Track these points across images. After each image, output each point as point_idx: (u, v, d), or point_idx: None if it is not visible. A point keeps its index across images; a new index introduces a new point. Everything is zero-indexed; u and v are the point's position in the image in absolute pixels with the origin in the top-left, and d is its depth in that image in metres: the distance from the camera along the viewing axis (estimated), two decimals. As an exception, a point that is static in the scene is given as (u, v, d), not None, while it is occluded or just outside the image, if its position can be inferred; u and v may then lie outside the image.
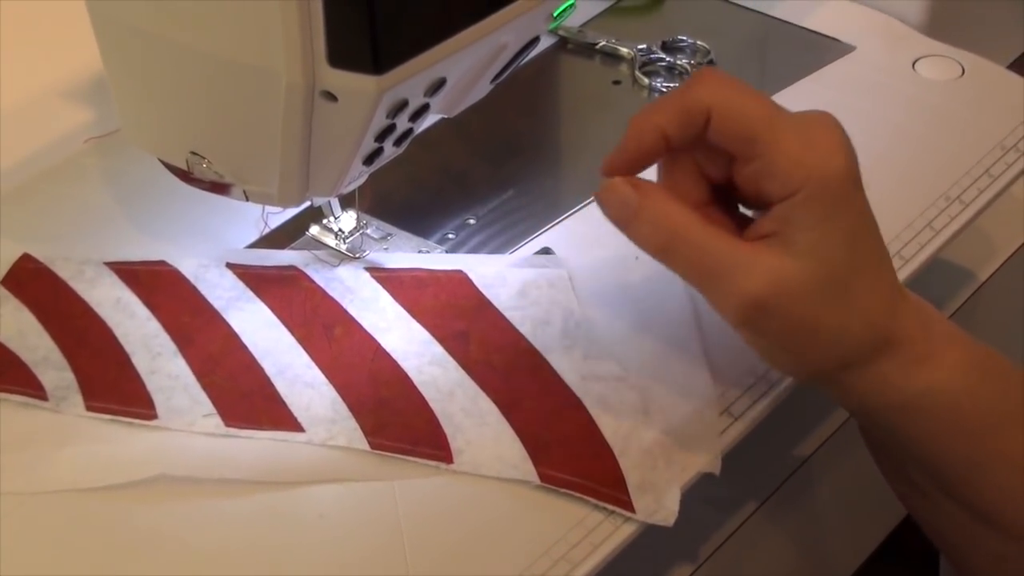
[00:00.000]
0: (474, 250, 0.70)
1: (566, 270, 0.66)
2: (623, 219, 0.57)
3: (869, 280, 0.57)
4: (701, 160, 0.58)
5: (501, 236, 0.70)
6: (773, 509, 0.70)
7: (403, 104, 0.58)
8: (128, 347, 0.63)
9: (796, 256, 0.55)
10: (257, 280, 0.66)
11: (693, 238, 0.56)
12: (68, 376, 0.61)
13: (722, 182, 0.58)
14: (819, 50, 0.82)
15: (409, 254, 0.68)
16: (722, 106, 0.56)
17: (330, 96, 0.55)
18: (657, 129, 0.57)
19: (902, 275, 0.67)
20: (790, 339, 0.57)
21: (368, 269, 0.66)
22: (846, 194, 0.56)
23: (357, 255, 0.67)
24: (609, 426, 0.59)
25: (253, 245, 0.69)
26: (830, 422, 0.72)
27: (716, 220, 0.58)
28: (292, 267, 0.67)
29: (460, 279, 0.65)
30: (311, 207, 0.67)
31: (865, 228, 0.57)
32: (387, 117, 0.58)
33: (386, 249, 0.68)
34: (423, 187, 0.74)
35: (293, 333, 0.63)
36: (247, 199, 0.63)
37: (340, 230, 0.68)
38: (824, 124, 0.56)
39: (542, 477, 0.57)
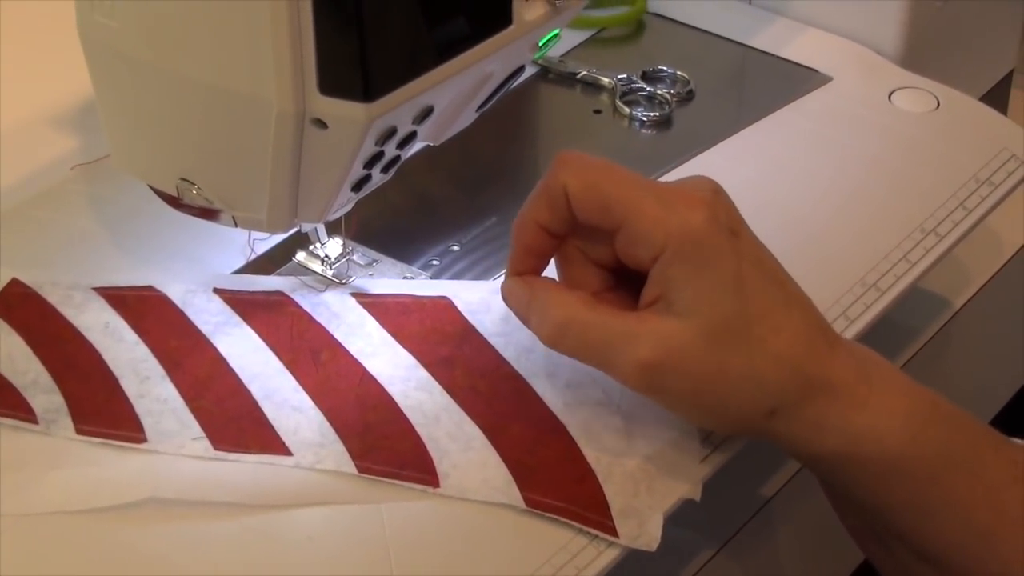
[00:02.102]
0: (458, 276, 0.70)
1: None
2: (520, 315, 0.61)
3: (773, 322, 0.57)
4: (587, 248, 0.60)
5: (484, 262, 0.71)
6: (753, 535, 0.70)
7: (392, 131, 0.59)
8: (117, 371, 0.63)
9: (679, 315, 0.56)
10: (244, 305, 0.66)
11: (581, 319, 0.58)
12: (58, 400, 0.62)
13: (615, 264, 0.60)
14: (796, 80, 0.83)
15: (394, 280, 0.69)
16: (577, 183, 0.58)
17: (320, 123, 0.56)
18: (532, 223, 0.60)
19: (879, 306, 0.68)
20: (698, 396, 0.57)
21: (354, 295, 0.67)
22: (716, 244, 0.56)
23: (343, 281, 0.68)
24: (593, 452, 0.59)
25: (240, 271, 0.69)
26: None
27: (614, 302, 0.60)
28: (279, 292, 0.67)
29: (445, 305, 0.66)
30: (298, 233, 0.68)
31: (754, 272, 0.57)
32: (376, 144, 0.58)
33: (371, 275, 0.69)
34: (408, 214, 0.75)
35: (280, 358, 0.64)
36: (236, 225, 0.64)
37: (326, 256, 0.68)
38: (688, 184, 0.58)
39: (527, 501, 0.58)
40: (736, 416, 0.58)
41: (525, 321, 0.60)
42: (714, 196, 0.57)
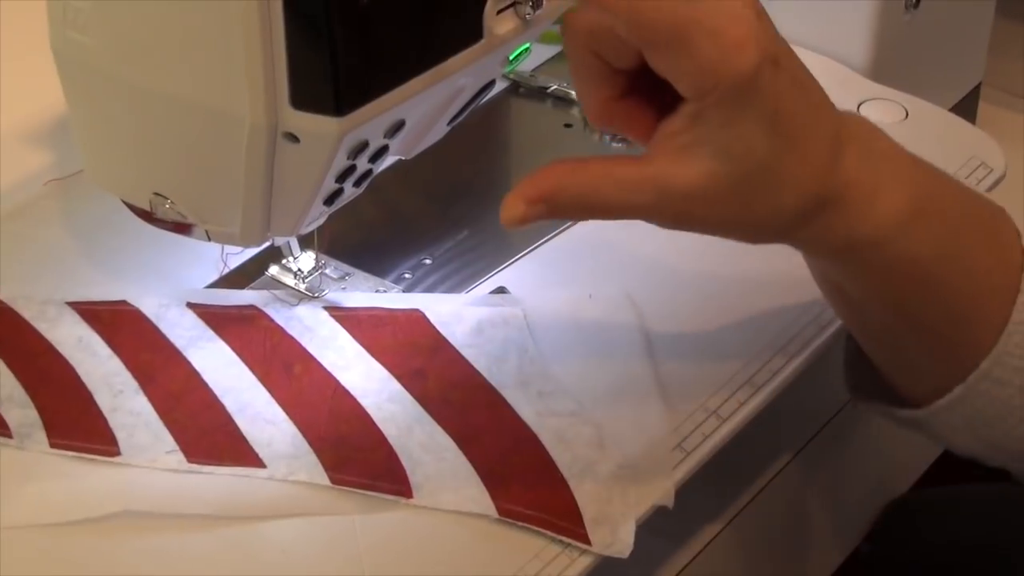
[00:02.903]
0: (430, 289, 0.71)
1: (521, 308, 0.67)
2: (544, 213, 0.57)
3: (802, 151, 0.57)
4: (612, 56, 0.58)
5: (456, 276, 0.71)
6: (725, 541, 0.71)
7: (363, 145, 0.59)
8: (90, 385, 0.63)
9: (712, 157, 0.55)
10: (217, 319, 0.66)
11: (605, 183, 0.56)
12: (32, 414, 0.62)
13: (635, 69, 0.58)
14: (767, 94, 0.83)
15: (367, 293, 0.69)
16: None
17: (292, 137, 0.56)
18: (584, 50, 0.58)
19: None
20: (721, 225, 0.58)
21: (327, 308, 0.67)
22: (760, 87, 0.55)
23: (316, 294, 0.68)
24: (565, 460, 0.60)
25: (213, 285, 0.70)
26: (781, 459, 0.73)
27: (636, 110, 0.58)
28: (252, 306, 0.67)
29: (417, 318, 0.66)
30: (271, 247, 0.68)
31: (788, 102, 0.56)
32: (348, 158, 0.59)
33: (344, 288, 0.69)
34: (380, 228, 0.75)
35: (253, 371, 0.64)
36: (209, 239, 0.64)
37: (299, 270, 0.68)
38: (735, 16, 0.55)
39: (500, 510, 0.58)
40: (752, 233, 0.59)
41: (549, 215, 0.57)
42: (759, 22, 0.55)
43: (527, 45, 0.67)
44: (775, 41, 0.56)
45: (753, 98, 0.55)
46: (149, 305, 0.67)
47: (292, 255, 0.68)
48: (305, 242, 0.68)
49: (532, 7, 0.60)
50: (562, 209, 0.57)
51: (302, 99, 0.55)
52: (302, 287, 0.68)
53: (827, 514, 0.80)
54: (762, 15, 0.56)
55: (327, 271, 0.69)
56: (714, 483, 0.68)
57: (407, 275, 0.71)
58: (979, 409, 0.62)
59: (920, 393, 0.63)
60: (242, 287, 0.70)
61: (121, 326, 0.66)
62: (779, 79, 0.56)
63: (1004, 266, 0.62)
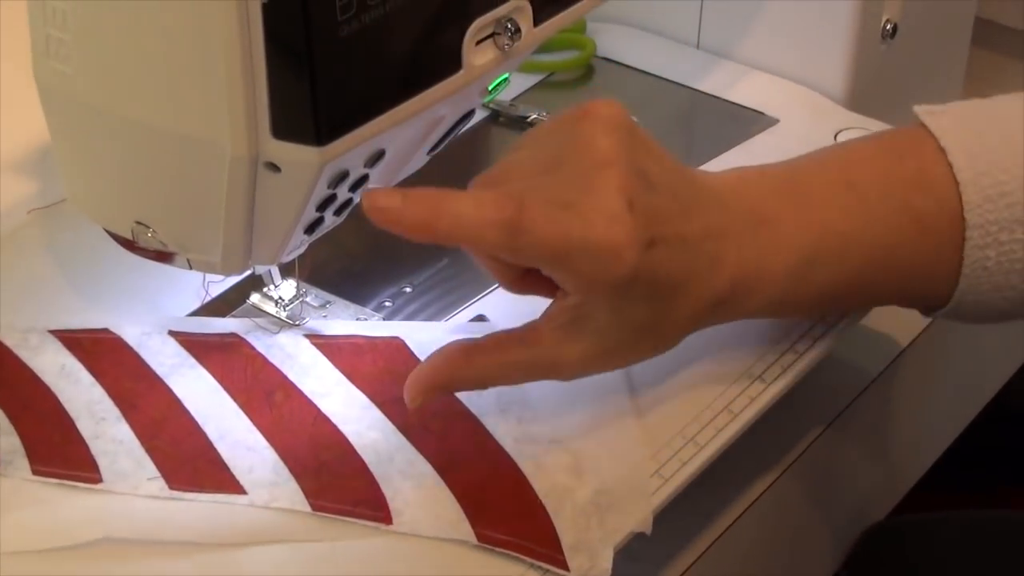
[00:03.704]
0: (410, 317, 0.71)
1: None
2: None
3: (680, 299, 0.61)
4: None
5: (437, 304, 0.72)
6: (703, 568, 0.71)
7: (344, 175, 0.59)
8: (73, 412, 0.64)
9: (595, 333, 0.61)
10: (199, 347, 0.67)
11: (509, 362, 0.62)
12: (15, 441, 0.62)
13: None
14: (744, 123, 0.84)
15: (348, 321, 0.70)
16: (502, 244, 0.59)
17: (273, 167, 0.57)
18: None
19: (830, 337, 0.69)
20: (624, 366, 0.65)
21: (307, 336, 0.68)
22: (636, 275, 0.59)
23: (297, 322, 0.68)
24: (543, 487, 0.60)
25: (195, 313, 0.70)
26: (758, 485, 0.73)
27: (535, 283, 0.62)
28: (233, 334, 0.68)
29: (397, 346, 0.67)
30: (252, 275, 0.68)
31: (665, 269, 0.60)
32: (328, 187, 0.59)
33: (325, 316, 0.70)
34: (360, 257, 0.75)
35: (235, 399, 0.64)
36: (190, 267, 0.64)
37: (280, 298, 0.69)
38: (610, 220, 0.58)
39: (479, 537, 0.59)
40: (650, 356, 0.64)
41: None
42: (632, 214, 0.58)
43: (506, 76, 0.67)
44: (650, 220, 0.59)
45: (632, 286, 0.59)
46: (131, 333, 0.67)
47: (273, 283, 0.69)
48: (286, 270, 0.68)
49: (511, 38, 0.61)
50: (461, 390, 0.63)
51: (283, 129, 0.56)
52: (283, 315, 0.68)
53: (805, 539, 0.80)
54: (636, 197, 0.59)
55: (308, 299, 0.69)
56: (692, 510, 0.68)
57: (388, 303, 0.72)
58: (980, 302, 0.66)
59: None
60: (224, 315, 0.70)
61: (103, 354, 0.66)
62: (656, 256, 0.60)
63: (936, 215, 0.64)
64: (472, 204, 0.57)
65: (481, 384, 0.62)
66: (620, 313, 0.60)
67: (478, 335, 0.65)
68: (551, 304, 0.61)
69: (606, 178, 0.58)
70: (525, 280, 0.62)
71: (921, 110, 0.67)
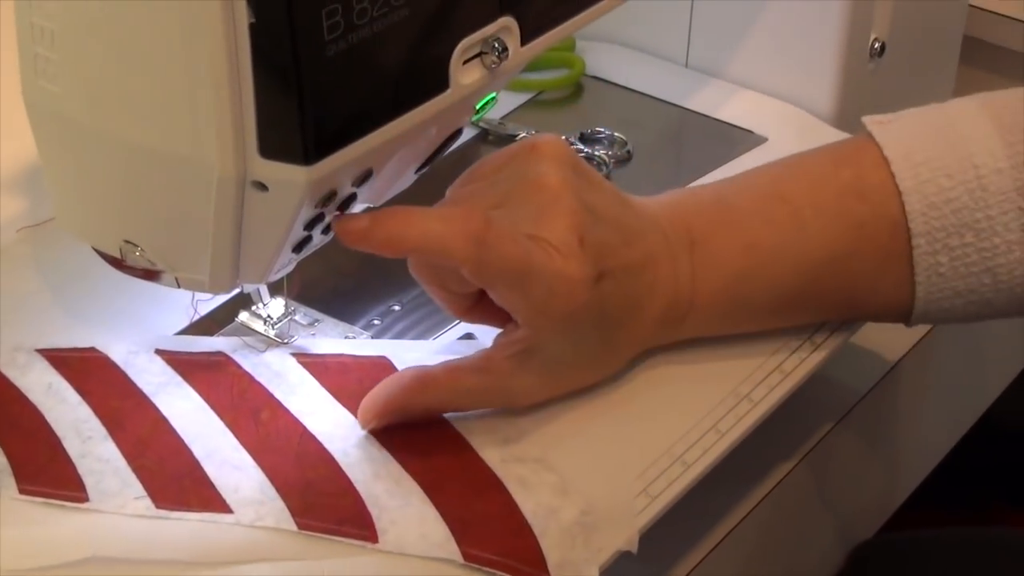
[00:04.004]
0: (399, 336, 0.71)
1: None
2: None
3: (628, 326, 0.63)
4: (455, 287, 0.63)
5: (425, 322, 0.72)
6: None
7: (332, 194, 0.59)
8: (59, 431, 0.63)
9: (545, 363, 0.62)
10: (186, 366, 0.67)
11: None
12: (1, 460, 0.62)
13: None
14: (732, 141, 0.84)
15: (336, 340, 0.70)
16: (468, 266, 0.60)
17: (261, 186, 0.57)
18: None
19: (818, 355, 0.69)
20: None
21: (294, 355, 0.68)
22: (587, 307, 0.61)
23: (285, 340, 0.68)
24: (529, 506, 0.60)
25: (183, 331, 0.70)
26: (746, 503, 0.73)
27: (493, 305, 0.62)
28: (220, 353, 0.68)
29: (384, 365, 0.67)
30: (241, 294, 0.68)
31: (614, 300, 0.62)
32: (316, 206, 0.59)
33: (313, 335, 0.70)
34: (349, 275, 0.75)
35: (221, 417, 0.64)
36: (179, 286, 0.64)
37: (269, 316, 0.69)
38: (565, 254, 0.60)
39: (465, 556, 0.58)
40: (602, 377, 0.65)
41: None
42: (583, 249, 0.60)
43: (493, 95, 0.67)
44: (599, 255, 0.61)
45: (582, 318, 0.61)
46: (118, 352, 0.67)
47: (262, 302, 0.69)
48: (275, 289, 0.68)
49: (498, 57, 0.61)
50: (412, 417, 0.63)
51: (270, 148, 0.55)
52: (271, 333, 0.68)
53: (795, 557, 0.80)
54: (586, 233, 0.61)
55: (296, 317, 0.69)
56: (681, 529, 0.68)
57: (376, 321, 0.72)
58: (946, 309, 0.66)
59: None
60: (212, 333, 0.70)
61: (90, 373, 0.66)
62: (603, 288, 0.61)
63: (874, 222, 0.64)
64: (440, 217, 0.59)
65: (435, 411, 0.63)
66: (570, 343, 0.61)
67: (465, 354, 0.65)
68: (502, 333, 0.63)
69: (557, 214, 0.60)
70: (476, 310, 0.64)
71: (870, 120, 0.67)
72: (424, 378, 0.62)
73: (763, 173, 0.67)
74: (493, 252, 0.58)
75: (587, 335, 0.62)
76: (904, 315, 0.67)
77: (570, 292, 0.60)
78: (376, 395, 0.62)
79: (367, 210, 0.61)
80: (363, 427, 0.63)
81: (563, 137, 0.83)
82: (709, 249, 0.64)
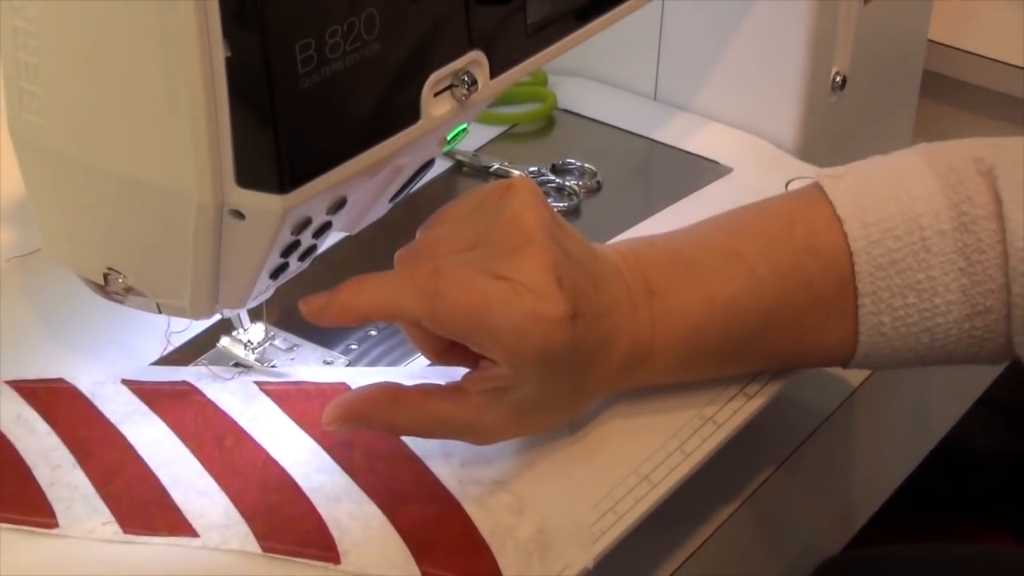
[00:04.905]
0: (375, 361, 0.69)
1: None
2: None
3: (596, 370, 0.61)
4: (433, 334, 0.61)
5: (401, 348, 0.69)
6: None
7: (307, 222, 0.57)
8: (29, 460, 0.61)
9: (515, 404, 0.59)
10: (151, 395, 0.64)
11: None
12: None
13: None
14: (699, 172, 0.82)
15: (312, 366, 0.67)
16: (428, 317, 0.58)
17: (238, 214, 0.55)
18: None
19: (773, 389, 0.67)
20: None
21: (257, 383, 0.65)
22: (562, 348, 0.58)
23: (265, 365, 0.66)
24: (486, 526, 0.58)
25: (159, 360, 0.68)
26: (711, 523, 0.71)
27: (459, 355, 0.61)
28: (184, 383, 0.65)
29: (343, 391, 0.64)
30: (222, 319, 0.66)
31: (585, 342, 0.59)
32: (292, 234, 0.57)
33: (293, 359, 0.67)
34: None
35: (186, 444, 0.62)
36: (160, 311, 0.62)
37: (249, 341, 0.67)
38: (541, 297, 0.58)
39: (425, 575, 0.56)
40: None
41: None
42: (561, 290, 0.58)
43: (464, 126, 0.66)
44: (574, 295, 0.59)
45: (559, 356, 0.58)
46: (85, 383, 0.65)
47: (243, 327, 0.66)
48: (255, 314, 0.66)
49: (468, 90, 0.59)
50: (376, 429, 0.60)
51: (247, 177, 0.54)
52: (252, 358, 0.66)
53: (762, 572, 0.78)
54: (563, 273, 0.59)
55: (276, 342, 0.67)
56: (647, 547, 0.66)
57: (353, 346, 0.69)
58: (884, 363, 0.65)
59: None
60: (195, 358, 0.68)
61: (58, 403, 0.64)
62: (577, 329, 0.58)
63: (824, 280, 0.63)
64: (390, 279, 0.59)
65: (398, 430, 0.61)
66: (543, 384, 0.59)
67: (436, 379, 0.63)
68: (480, 368, 0.60)
69: (535, 253, 0.58)
70: (449, 353, 0.61)
71: (822, 174, 0.66)
72: (396, 394, 0.59)
73: (719, 228, 0.66)
74: (445, 302, 0.57)
75: (560, 377, 0.59)
76: (843, 364, 0.67)
77: (547, 332, 0.57)
78: (345, 399, 0.60)
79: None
80: (325, 426, 0.59)
81: (535, 167, 0.82)
82: (668, 300, 0.63)
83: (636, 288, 0.62)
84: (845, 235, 0.63)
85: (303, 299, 0.59)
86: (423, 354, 0.63)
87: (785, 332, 0.64)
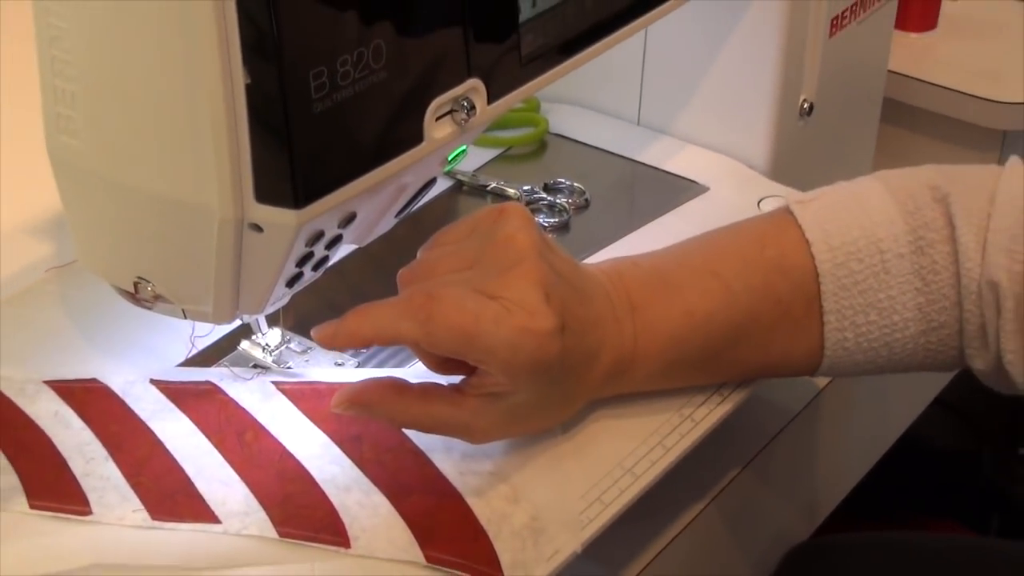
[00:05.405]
0: (383, 363, 0.68)
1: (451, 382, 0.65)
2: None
3: (584, 376, 0.61)
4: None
5: (406, 350, 0.69)
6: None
7: (319, 234, 0.58)
8: (65, 453, 0.61)
9: (508, 409, 0.59)
10: (177, 394, 0.65)
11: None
12: (13, 479, 0.60)
13: None
14: (678, 190, 0.82)
15: (324, 367, 0.67)
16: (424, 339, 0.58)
17: (257, 228, 0.55)
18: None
19: (747, 390, 0.67)
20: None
21: (274, 383, 0.65)
22: (553, 360, 0.58)
23: (282, 366, 0.66)
24: (484, 514, 0.58)
25: (184, 363, 0.68)
26: (689, 511, 0.71)
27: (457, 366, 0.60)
28: (208, 382, 0.66)
29: None
30: (242, 324, 0.66)
31: (573, 353, 0.59)
32: (306, 245, 0.57)
33: (307, 361, 0.67)
34: (340, 308, 0.72)
35: (209, 439, 0.62)
36: (185, 317, 0.62)
37: (267, 344, 0.67)
38: (530, 314, 0.57)
39: (428, 558, 0.56)
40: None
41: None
42: (550, 304, 0.58)
43: (463, 148, 0.66)
44: (562, 308, 0.58)
45: (551, 367, 0.58)
46: (116, 382, 0.65)
47: (261, 332, 0.66)
48: (272, 319, 0.66)
49: (467, 114, 0.59)
50: (378, 418, 0.60)
51: (264, 194, 0.54)
52: (270, 360, 0.66)
53: (732, 561, 0.78)
54: (552, 289, 0.58)
55: (291, 345, 0.67)
56: (629, 536, 0.66)
57: (363, 349, 0.69)
58: (851, 364, 0.65)
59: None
60: (217, 360, 0.68)
61: (92, 401, 0.64)
62: (566, 340, 0.58)
63: (791, 299, 0.63)
64: (389, 306, 0.58)
65: (398, 422, 0.61)
66: (536, 392, 0.59)
67: (437, 379, 0.63)
68: (477, 374, 0.60)
69: (525, 271, 0.58)
70: (449, 364, 0.61)
71: (792, 199, 0.66)
72: (402, 389, 0.59)
73: (697, 249, 0.66)
74: (438, 324, 0.57)
75: (552, 386, 0.59)
76: (809, 374, 0.67)
77: (538, 344, 0.57)
78: (354, 386, 0.60)
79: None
80: (333, 408, 0.59)
81: (529, 186, 0.82)
82: (649, 314, 0.63)
83: (620, 304, 0.62)
84: (812, 257, 0.63)
85: (314, 328, 0.59)
86: (425, 366, 0.63)
87: (756, 345, 0.64)
